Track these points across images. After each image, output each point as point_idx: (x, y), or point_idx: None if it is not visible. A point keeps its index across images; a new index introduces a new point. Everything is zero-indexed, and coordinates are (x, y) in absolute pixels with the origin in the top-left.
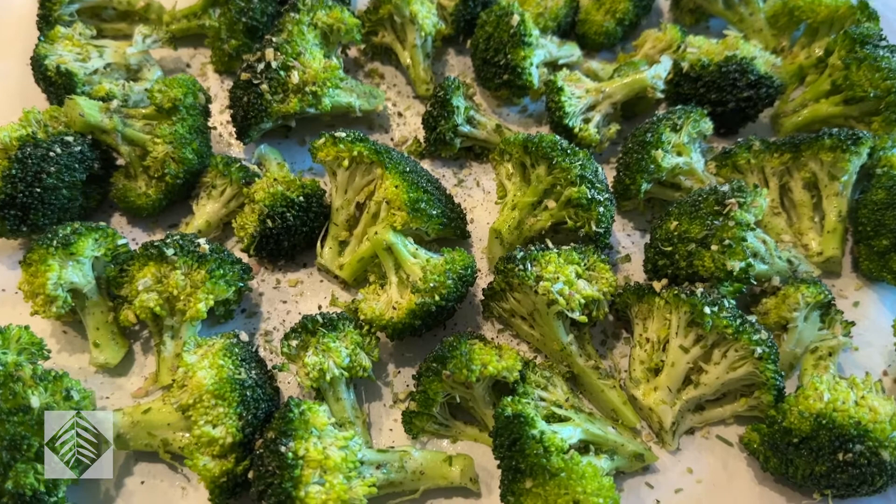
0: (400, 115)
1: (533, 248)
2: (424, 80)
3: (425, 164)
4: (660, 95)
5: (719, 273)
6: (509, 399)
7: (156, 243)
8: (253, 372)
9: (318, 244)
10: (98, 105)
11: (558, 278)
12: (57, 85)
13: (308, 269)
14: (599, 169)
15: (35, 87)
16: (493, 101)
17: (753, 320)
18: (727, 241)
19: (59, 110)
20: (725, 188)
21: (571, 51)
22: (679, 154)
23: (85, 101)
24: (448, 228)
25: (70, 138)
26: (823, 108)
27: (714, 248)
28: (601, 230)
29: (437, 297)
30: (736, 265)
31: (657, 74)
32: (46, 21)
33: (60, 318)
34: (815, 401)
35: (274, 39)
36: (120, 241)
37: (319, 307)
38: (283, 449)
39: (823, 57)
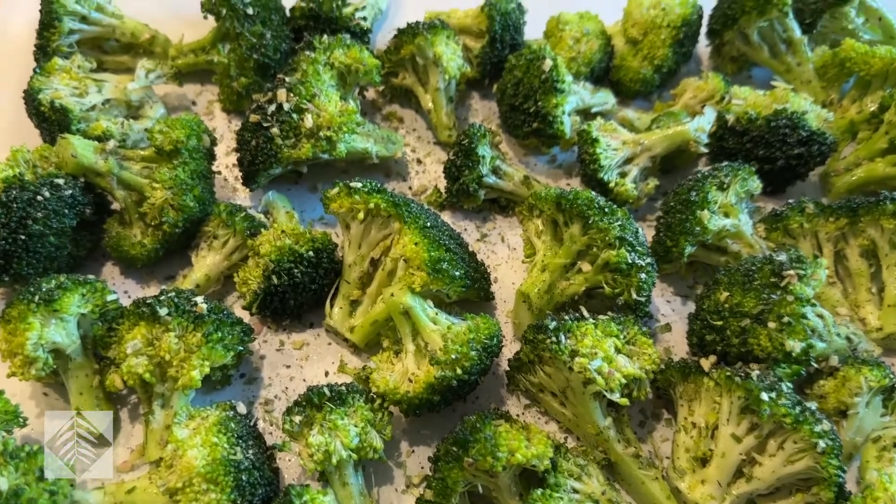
0: (419, 161)
1: (567, 317)
2: (447, 126)
3: (445, 216)
4: (703, 150)
5: (777, 353)
6: (539, 493)
7: (148, 301)
8: (250, 451)
9: (328, 303)
10: (93, 145)
11: (596, 354)
12: (50, 121)
13: (315, 329)
14: (640, 230)
15: (28, 122)
16: (520, 150)
17: (814, 408)
18: (786, 319)
19: (49, 149)
20: (783, 258)
21: (605, 98)
22: (726, 215)
23: (79, 140)
24: (471, 290)
25: (60, 181)
26: (880, 169)
27: (771, 325)
28: (642, 298)
29: (458, 371)
30: (796, 346)
31: (700, 127)
32: (44, 52)
33: (41, 379)
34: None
35: (287, 79)
36: (109, 297)
37: (326, 373)
38: None
39: (877, 112)
